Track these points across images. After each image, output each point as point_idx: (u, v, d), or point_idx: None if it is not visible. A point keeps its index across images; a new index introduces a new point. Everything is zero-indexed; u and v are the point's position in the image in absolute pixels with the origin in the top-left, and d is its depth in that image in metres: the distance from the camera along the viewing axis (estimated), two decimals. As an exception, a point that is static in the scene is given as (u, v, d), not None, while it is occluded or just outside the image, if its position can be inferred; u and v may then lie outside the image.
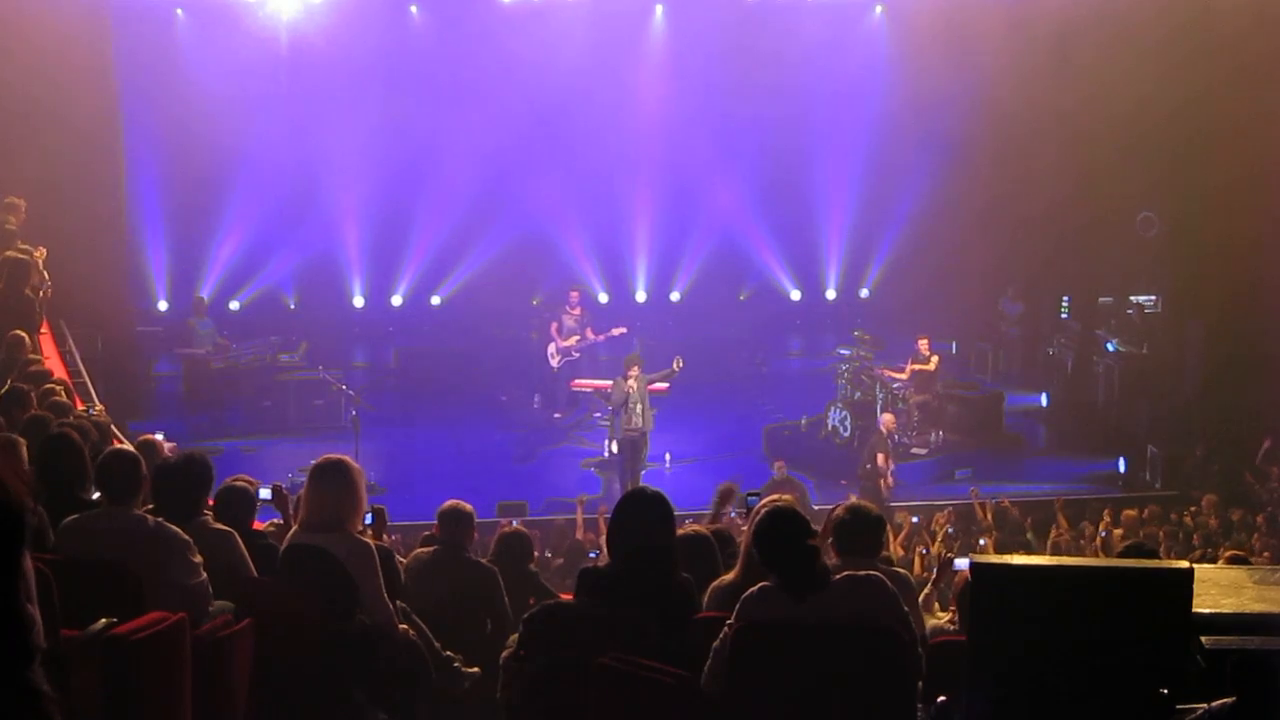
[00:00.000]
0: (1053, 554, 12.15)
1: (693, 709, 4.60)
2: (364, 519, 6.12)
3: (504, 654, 5.60)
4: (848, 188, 21.32)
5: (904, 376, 17.55)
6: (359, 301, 21.43)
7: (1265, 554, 11.95)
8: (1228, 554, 9.44)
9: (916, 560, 11.91)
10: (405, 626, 6.07)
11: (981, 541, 12.87)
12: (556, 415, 18.61)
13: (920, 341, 17.66)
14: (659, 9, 20.98)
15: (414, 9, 20.59)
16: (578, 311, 18.59)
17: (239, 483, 6.60)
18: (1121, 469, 17.11)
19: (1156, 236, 18.33)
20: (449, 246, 20.95)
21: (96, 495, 5.65)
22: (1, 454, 5.63)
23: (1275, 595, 4.26)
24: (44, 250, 12.61)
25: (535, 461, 17.35)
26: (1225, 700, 3.58)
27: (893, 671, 4.50)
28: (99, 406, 11.52)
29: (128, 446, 5.99)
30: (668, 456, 16.66)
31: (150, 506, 5.70)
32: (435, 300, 21.49)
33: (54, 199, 14.22)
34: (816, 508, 12.98)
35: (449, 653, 6.43)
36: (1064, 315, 20.30)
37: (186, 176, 19.35)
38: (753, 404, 19.25)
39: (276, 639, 5.49)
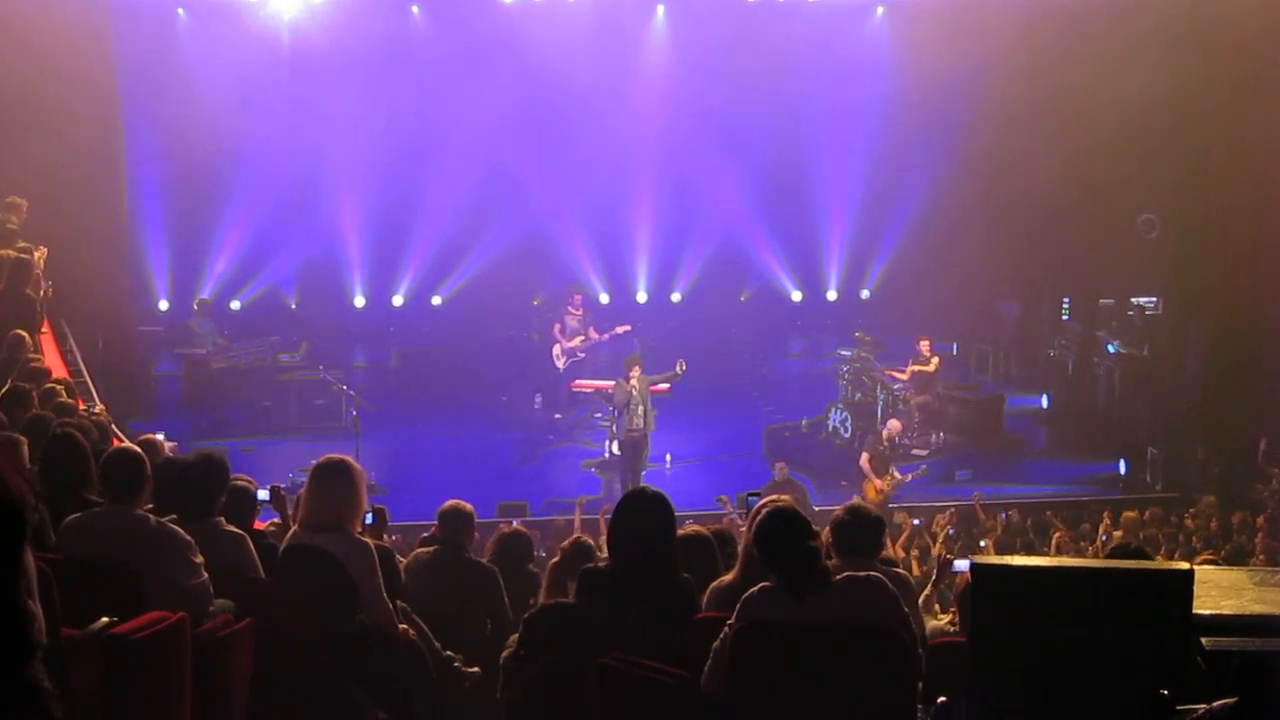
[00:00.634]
0: (1053, 555, 12.15)
1: (693, 709, 4.60)
2: (364, 519, 6.12)
3: (504, 654, 5.60)
4: (849, 188, 21.31)
5: (905, 377, 17.56)
6: (360, 302, 21.43)
7: (1261, 556, 11.94)
8: (1203, 556, 9.45)
9: (914, 564, 11.90)
10: (405, 626, 6.07)
11: (983, 543, 12.87)
12: (557, 416, 18.61)
13: (922, 343, 17.67)
14: (660, 9, 20.98)
15: (415, 8, 20.59)
16: (581, 312, 18.59)
17: (239, 482, 6.60)
18: (1122, 471, 17.12)
19: (1158, 238, 18.32)
20: (450, 247, 20.94)
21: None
22: (3, 452, 5.63)
23: (1275, 597, 4.27)
24: (45, 250, 12.61)
25: (536, 462, 17.36)
26: (1226, 701, 3.58)
27: (893, 672, 4.50)
28: (99, 406, 11.51)
29: (132, 446, 5.98)
30: (668, 457, 16.66)
31: (151, 506, 5.70)
32: (436, 300, 21.49)
33: (55, 199, 14.22)
34: (817, 509, 12.98)
35: (449, 653, 6.43)
36: (1065, 317, 20.31)
37: (187, 176, 19.35)
38: (753, 405, 19.27)
39: (276, 639, 5.49)
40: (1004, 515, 14.17)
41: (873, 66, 20.46)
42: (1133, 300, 19.11)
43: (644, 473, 15.50)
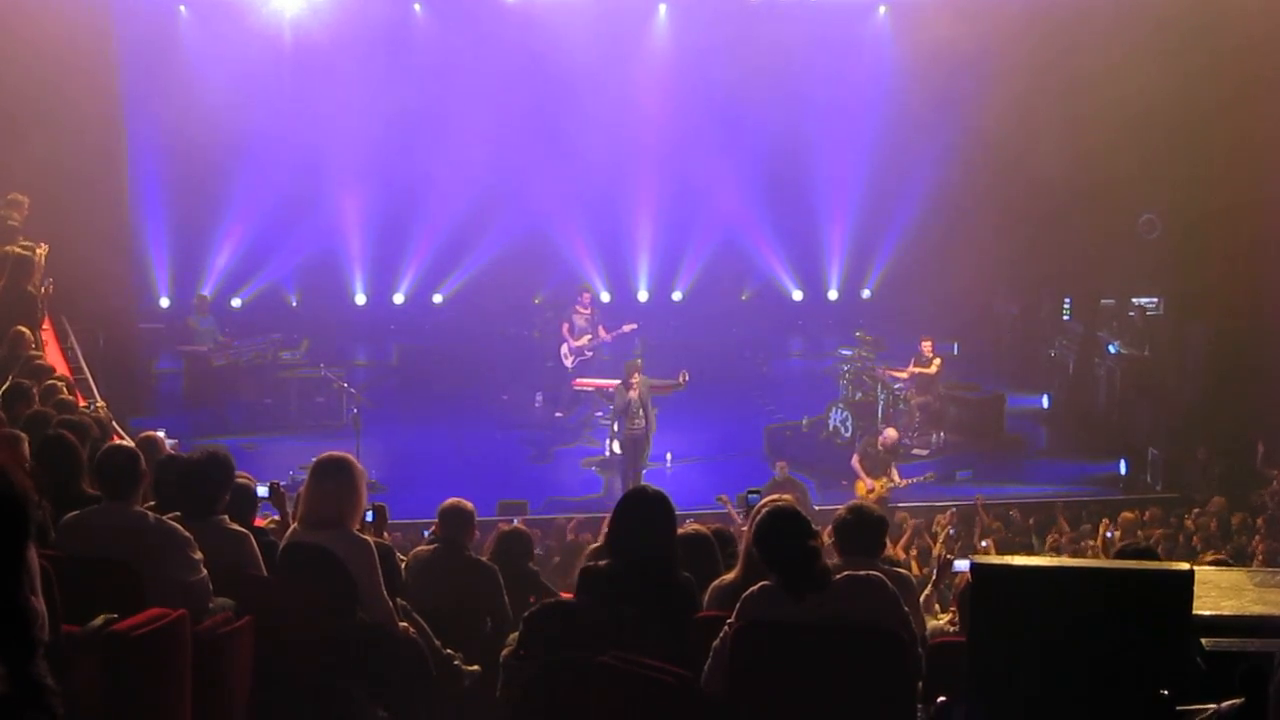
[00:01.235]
0: (1053, 555, 12.16)
1: (693, 708, 4.60)
2: (364, 517, 6.12)
3: (504, 652, 5.60)
4: (850, 188, 21.31)
5: (905, 376, 17.56)
6: (361, 299, 21.44)
7: (1260, 557, 11.94)
8: (1210, 557, 9.44)
9: (914, 564, 11.90)
10: (405, 624, 6.07)
11: (984, 543, 12.86)
12: (558, 414, 18.61)
13: (924, 343, 17.65)
14: (662, 8, 20.98)
15: (417, 6, 20.60)
16: (589, 311, 18.55)
17: (239, 479, 6.59)
18: (1123, 471, 17.12)
19: (1159, 238, 18.32)
20: (451, 245, 20.95)
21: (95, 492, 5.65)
22: (4, 449, 5.64)
23: (1275, 598, 4.27)
24: (46, 246, 12.61)
25: (536, 460, 17.35)
26: (1234, 701, 3.58)
27: (893, 672, 4.50)
28: (100, 403, 11.50)
29: (127, 442, 5.98)
30: (669, 456, 16.65)
31: (152, 504, 5.70)
32: (437, 298, 21.49)
33: (57, 196, 14.21)
34: (818, 508, 12.99)
35: (449, 651, 6.42)
36: (1066, 317, 20.30)
37: (189, 173, 19.34)
38: (754, 404, 19.26)
39: (277, 636, 5.49)
40: (999, 522, 14.14)
41: (874, 66, 20.46)
42: (1134, 301, 19.09)
43: (645, 472, 15.49)
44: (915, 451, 16.98)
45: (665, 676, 4.62)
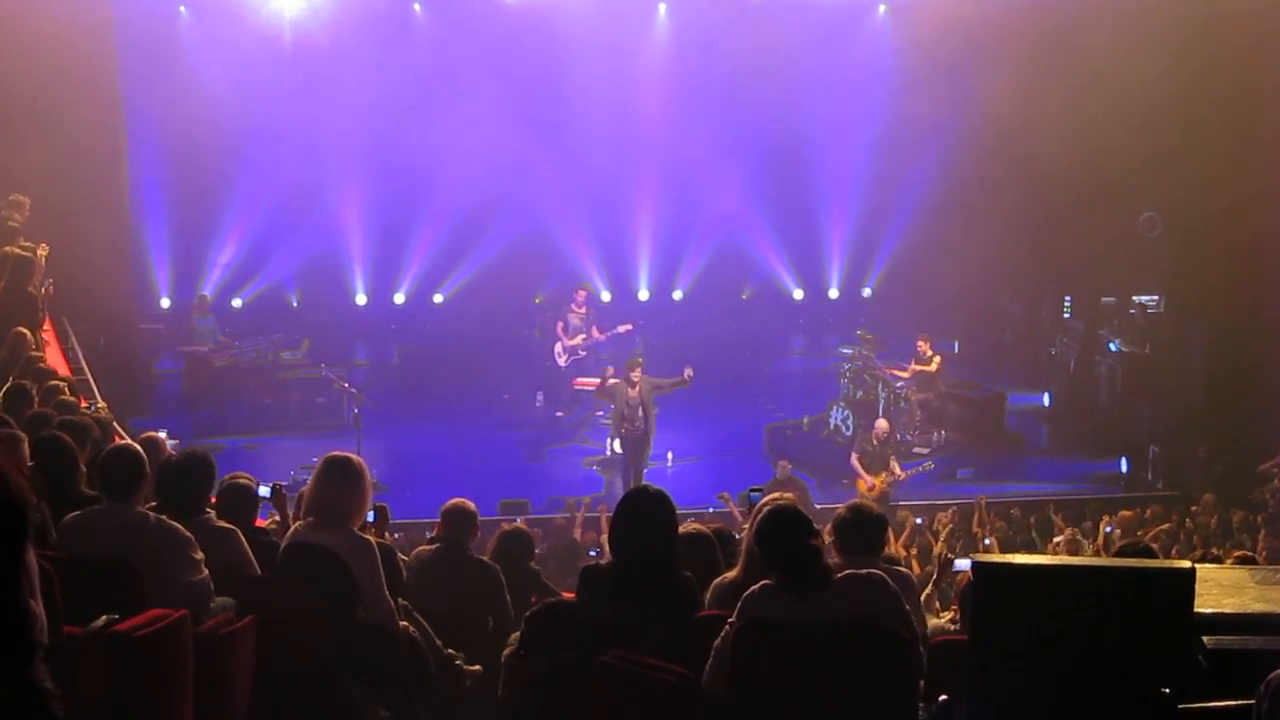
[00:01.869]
0: (1054, 554, 12.14)
1: (694, 708, 4.60)
2: (366, 517, 6.13)
3: (505, 652, 5.60)
4: (850, 187, 21.32)
5: (906, 375, 17.56)
6: (361, 299, 21.45)
7: (1263, 554, 11.94)
8: (1236, 554, 9.43)
9: (914, 563, 11.89)
10: (406, 624, 6.07)
11: (987, 541, 12.86)
12: (559, 414, 18.61)
13: (921, 342, 17.63)
14: (662, 8, 20.98)
15: (417, 6, 20.60)
16: (584, 310, 18.55)
17: (240, 479, 6.60)
18: (1123, 469, 17.12)
19: (1159, 236, 18.31)
20: (451, 244, 20.96)
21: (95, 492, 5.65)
22: (4, 450, 5.63)
23: (1277, 595, 4.26)
24: (46, 247, 12.61)
25: (537, 460, 17.35)
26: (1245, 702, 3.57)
27: (894, 670, 4.50)
28: (101, 403, 11.50)
29: (130, 443, 5.98)
30: (670, 455, 16.65)
31: (154, 504, 5.70)
32: (438, 298, 21.50)
33: (57, 196, 14.21)
34: (819, 507, 12.98)
35: (450, 651, 6.43)
36: (1066, 315, 20.29)
37: (189, 174, 19.36)
38: (755, 403, 19.26)
39: (278, 636, 5.49)
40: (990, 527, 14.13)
41: (874, 65, 20.45)
42: (1134, 298, 19.10)
43: (645, 471, 15.48)
44: (916, 450, 16.98)
45: (666, 676, 4.62)
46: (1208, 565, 5.53)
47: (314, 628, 5.63)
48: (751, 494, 7.03)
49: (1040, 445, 18.44)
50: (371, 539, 5.85)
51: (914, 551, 12.46)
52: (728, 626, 4.57)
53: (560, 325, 18.53)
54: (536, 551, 8.73)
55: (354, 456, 5.91)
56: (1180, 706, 3.60)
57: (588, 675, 4.75)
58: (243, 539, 5.80)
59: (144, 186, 18.97)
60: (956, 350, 20.33)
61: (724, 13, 20.23)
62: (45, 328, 12.57)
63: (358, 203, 20.58)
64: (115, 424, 10.82)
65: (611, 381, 16.30)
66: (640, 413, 15.43)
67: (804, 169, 21.21)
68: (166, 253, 20.17)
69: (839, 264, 22.25)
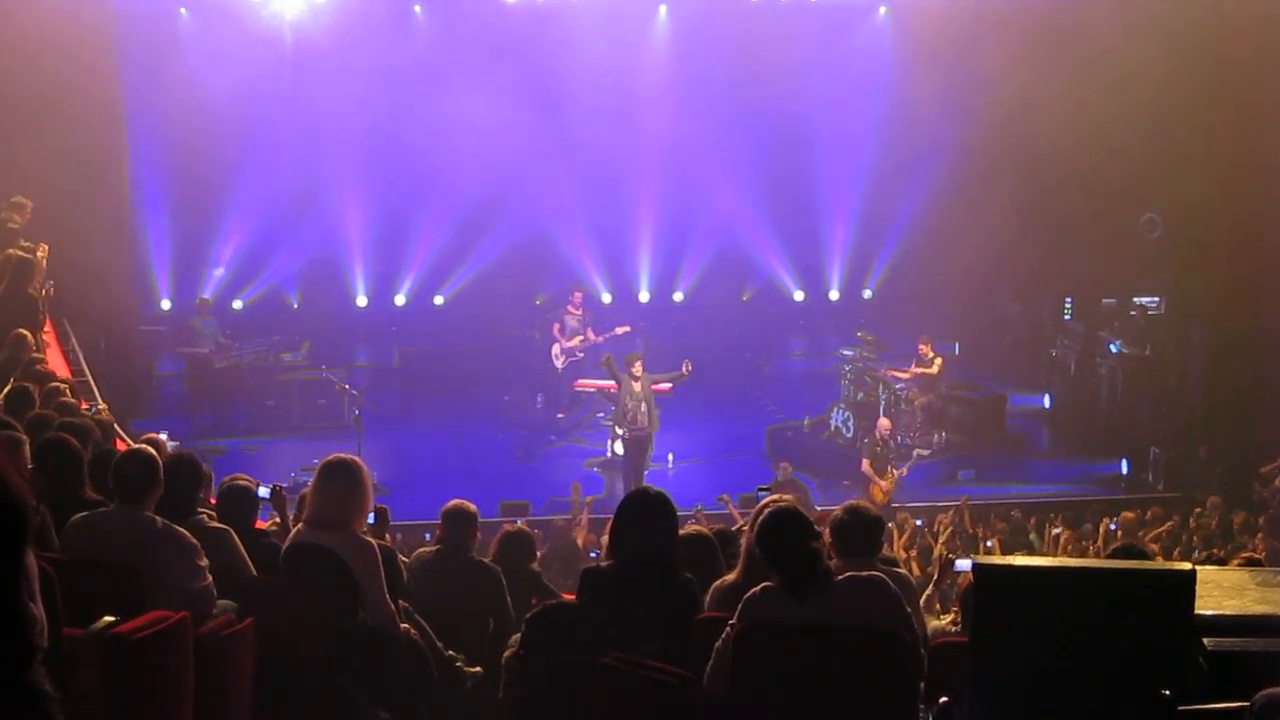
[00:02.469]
0: (1054, 555, 12.15)
1: (694, 709, 4.60)
2: (367, 519, 6.13)
3: (506, 654, 5.60)
4: (851, 188, 21.31)
5: (907, 376, 17.55)
6: (362, 301, 21.44)
7: (1263, 555, 11.93)
8: (1243, 556, 9.43)
9: (914, 564, 11.89)
10: (407, 626, 6.07)
11: (989, 543, 12.86)
12: (560, 415, 18.60)
13: (922, 344, 17.62)
14: (663, 9, 20.97)
15: (418, 7, 20.59)
16: (580, 312, 18.54)
17: (241, 481, 6.60)
18: (1124, 471, 17.10)
19: (1160, 238, 18.31)
20: (452, 246, 20.94)
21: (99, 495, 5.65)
22: (4, 452, 5.62)
23: (1278, 597, 4.26)
24: (47, 249, 12.61)
25: (538, 461, 17.35)
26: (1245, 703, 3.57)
27: (895, 672, 4.50)
28: (102, 405, 11.51)
29: (144, 446, 5.97)
30: (670, 457, 16.64)
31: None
32: (438, 300, 21.49)
33: (58, 198, 14.21)
34: (819, 509, 12.98)
35: (451, 652, 6.43)
36: (1067, 317, 20.28)
37: (190, 175, 19.35)
38: (755, 404, 19.26)
39: (279, 638, 5.49)
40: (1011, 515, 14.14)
41: (875, 66, 20.45)
42: (1135, 300, 19.08)
43: (646, 472, 15.48)
44: (917, 451, 16.97)
45: (667, 677, 4.62)
46: (1209, 567, 5.53)
47: (315, 630, 5.63)
48: (759, 493, 7.03)
49: (1041, 447, 18.43)
50: (372, 540, 5.85)
51: (914, 553, 12.47)
52: (728, 628, 4.57)
53: (557, 327, 18.53)
54: (538, 554, 8.73)
55: (355, 458, 5.91)
56: (1181, 708, 3.59)
57: (588, 677, 4.75)
58: (236, 539, 5.79)
59: (145, 188, 18.97)
60: (957, 352, 20.32)
61: (724, 13, 20.24)
62: (46, 329, 12.56)
63: (358, 204, 20.56)
64: (116, 426, 10.83)
65: (612, 383, 16.31)
66: (643, 408, 15.41)
67: (805, 170, 21.20)
68: (167, 254, 20.17)
69: (840, 265, 22.24)
